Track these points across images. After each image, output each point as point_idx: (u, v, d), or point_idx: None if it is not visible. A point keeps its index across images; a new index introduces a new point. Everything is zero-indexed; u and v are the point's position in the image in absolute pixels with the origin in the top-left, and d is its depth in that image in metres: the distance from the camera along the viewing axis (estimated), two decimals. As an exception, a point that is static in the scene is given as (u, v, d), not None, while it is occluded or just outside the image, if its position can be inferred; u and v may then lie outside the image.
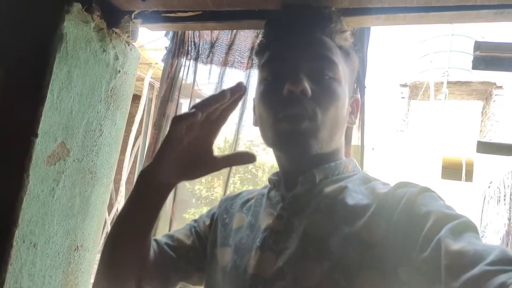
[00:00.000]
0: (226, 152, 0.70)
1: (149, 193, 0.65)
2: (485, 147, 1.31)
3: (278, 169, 0.73)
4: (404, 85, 8.45)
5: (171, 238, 0.75)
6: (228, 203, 0.78)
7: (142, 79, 7.87)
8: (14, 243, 0.95)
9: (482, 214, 3.16)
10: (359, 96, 0.74)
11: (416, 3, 0.88)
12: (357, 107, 0.74)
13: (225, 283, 0.64)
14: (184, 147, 0.61)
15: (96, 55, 1.15)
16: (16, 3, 1.04)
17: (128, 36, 1.27)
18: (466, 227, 0.47)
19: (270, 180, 0.72)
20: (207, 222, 0.78)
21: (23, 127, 0.97)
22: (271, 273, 0.58)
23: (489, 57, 1.06)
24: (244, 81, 1.30)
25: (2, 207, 0.94)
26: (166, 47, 1.44)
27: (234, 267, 0.64)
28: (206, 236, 0.76)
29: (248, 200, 0.75)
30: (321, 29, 0.67)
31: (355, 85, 1.32)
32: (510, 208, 2.35)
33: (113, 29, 1.21)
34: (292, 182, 0.66)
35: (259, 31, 1.30)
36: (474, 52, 1.09)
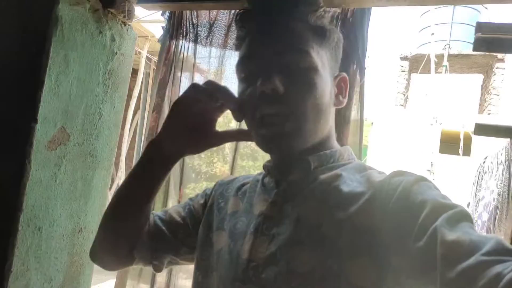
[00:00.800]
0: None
1: (156, 161, 0.70)
2: (483, 129, 1.31)
3: None
4: (405, 58, 8.34)
5: (165, 213, 0.78)
6: (223, 187, 0.78)
7: (139, 53, 7.74)
8: (20, 227, 0.97)
9: (476, 189, 3.21)
10: (344, 74, 0.71)
11: (419, -15, 0.87)
12: (345, 85, 0.71)
13: (218, 266, 0.65)
14: (191, 117, 0.66)
15: (92, 37, 1.13)
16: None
17: (124, 16, 1.25)
18: (462, 217, 0.48)
19: (264, 167, 0.72)
20: (201, 201, 0.79)
21: (23, 113, 0.97)
22: (264, 258, 0.59)
23: (490, 38, 1.05)
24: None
25: (6, 193, 0.96)
26: (162, 27, 1.41)
27: (228, 251, 0.65)
28: (199, 215, 0.77)
29: (243, 185, 0.76)
30: (291, 13, 0.64)
31: (355, 65, 1.31)
32: (500, 183, 2.38)
33: (109, 9, 1.19)
34: (287, 168, 0.66)
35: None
36: (475, 33, 1.07)
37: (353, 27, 1.13)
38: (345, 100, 0.70)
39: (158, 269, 0.77)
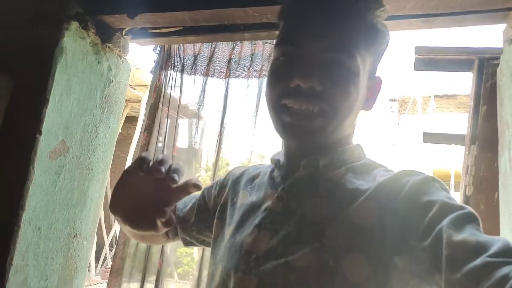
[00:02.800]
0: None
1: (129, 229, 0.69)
2: (431, 138, 1.48)
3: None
4: (393, 100, 8.71)
5: (183, 212, 0.83)
6: (235, 181, 0.79)
7: (139, 101, 8.06)
8: (22, 225, 1.10)
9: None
10: (380, 77, 0.68)
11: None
12: (377, 90, 0.68)
13: (224, 257, 0.67)
14: (131, 188, 0.62)
15: (92, 66, 1.33)
16: (24, 23, 1.23)
17: (120, 51, 1.46)
18: (469, 218, 0.47)
19: (272, 161, 0.72)
20: (215, 192, 0.81)
21: (30, 126, 1.14)
22: (264, 251, 0.60)
23: (427, 59, 1.24)
24: (223, 89, 1.48)
25: (12, 193, 1.10)
26: (154, 61, 1.63)
27: (234, 243, 0.66)
28: (214, 204, 0.79)
29: (253, 178, 0.76)
30: (350, 5, 0.61)
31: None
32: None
33: (107, 44, 1.40)
34: (295, 164, 0.65)
35: (235, 43, 1.49)
36: (414, 55, 1.27)
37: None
38: (374, 104, 0.68)
39: (186, 245, 0.87)
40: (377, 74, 0.68)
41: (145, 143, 1.59)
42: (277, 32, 0.69)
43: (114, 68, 1.44)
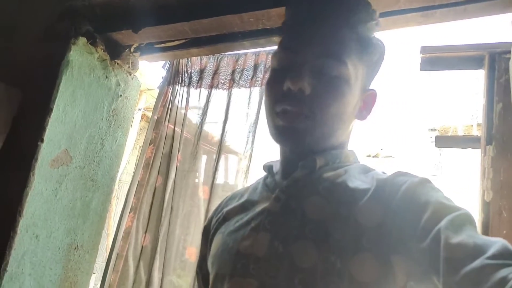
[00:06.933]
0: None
1: None
2: (443, 141, 1.36)
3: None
4: (433, 130, 8.37)
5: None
6: (226, 203, 0.78)
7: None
8: (18, 231, 1.11)
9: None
10: (375, 90, 0.70)
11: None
12: (372, 102, 0.70)
13: (215, 264, 0.65)
14: None
15: (99, 80, 1.37)
16: (36, 41, 1.31)
17: (129, 67, 1.50)
18: (466, 220, 0.47)
19: (264, 167, 0.73)
20: (206, 244, 0.76)
21: (33, 133, 1.18)
22: (265, 252, 0.58)
23: (433, 58, 1.16)
24: (226, 99, 1.48)
25: (10, 198, 1.12)
26: (162, 77, 1.67)
27: (226, 249, 0.64)
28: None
29: (242, 195, 0.76)
30: (342, 18, 0.65)
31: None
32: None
33: (115, 60, 1.45)
34: (292, 166, 0.66)
35: (238, 56, 1.50)
36: (420, 54, 1.20)
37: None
38: (368, 116, 0.71)
39: None
40: (372, 87, 0.71)
41: (151, 156, 1.60)
42: (274, 38, 0.71)
43: (123, 83, 1.48)
